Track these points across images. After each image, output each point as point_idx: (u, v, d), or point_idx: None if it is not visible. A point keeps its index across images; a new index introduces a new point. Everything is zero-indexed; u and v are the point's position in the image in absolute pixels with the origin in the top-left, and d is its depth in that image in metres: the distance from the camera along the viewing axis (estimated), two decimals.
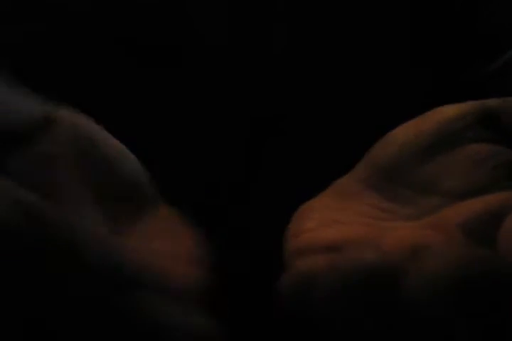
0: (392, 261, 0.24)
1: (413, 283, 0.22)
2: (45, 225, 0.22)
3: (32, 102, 0.27)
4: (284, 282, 0.26)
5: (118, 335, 0.23)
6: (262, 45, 0.39)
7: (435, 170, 0.28)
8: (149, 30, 0.38)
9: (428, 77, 0.40)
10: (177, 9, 0.38)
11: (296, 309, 0.25)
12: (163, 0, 0.38)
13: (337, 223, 0.28)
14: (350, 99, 0.39)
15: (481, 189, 0.27)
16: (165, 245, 0.27)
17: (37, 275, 0.22)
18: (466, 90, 0.39)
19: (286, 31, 0.39)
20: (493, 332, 0.22)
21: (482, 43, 0.40)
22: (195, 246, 0.27)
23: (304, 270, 0.25)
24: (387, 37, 0.40)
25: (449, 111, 0.29)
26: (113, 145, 0.28)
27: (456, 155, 0.28)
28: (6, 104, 0.26)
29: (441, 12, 0.40)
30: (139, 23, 0.38)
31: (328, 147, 0.38)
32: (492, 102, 0.29)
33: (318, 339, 0.25)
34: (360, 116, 0.39)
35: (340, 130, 0.38)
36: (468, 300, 0.22)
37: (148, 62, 0.38)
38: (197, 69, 0.38)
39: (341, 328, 0.24)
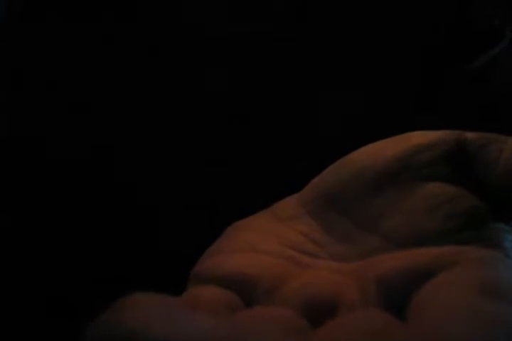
0: None
1: None
2: None
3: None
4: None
5: None
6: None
7: (384, 206, 0.25)
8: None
9: (416, 72, 0.39)
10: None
11: None
12: None
13: (256, 250, 0.25)
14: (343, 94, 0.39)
15: (425, 239, 0.24)
16: None
17: None
18: (454, 85, 0.39)
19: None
20: None
21: (472, 38, 0.38)
22: None
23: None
24: (374, 34, 0.39)
25: (418, 138, 0.26)
26: None
27: (412, 193, 0.25)
28: None
29: (431, 7, 0.39)
30: None
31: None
32: (469, 135, 0.26)
33: None
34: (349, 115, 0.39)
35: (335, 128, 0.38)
36: None
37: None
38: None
39: None
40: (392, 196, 0.25)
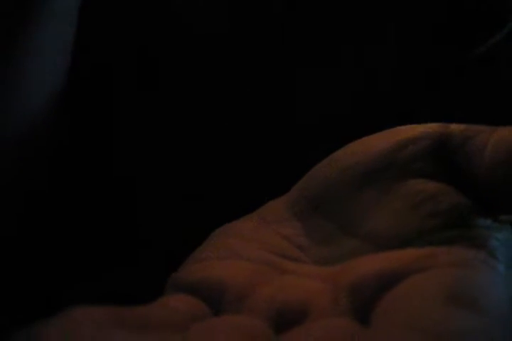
0: None
1: None
2: None
3: None
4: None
5: None
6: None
7: (368, 206, 0.24)
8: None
9: (418, 68, 0.38)
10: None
11: None
12: None
13: (237, 257, 0.25)
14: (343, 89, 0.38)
15: (407, 239, 0.23)
16: None
17: None
18: (459, 72, 0.38)
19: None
20: None
21: (476, 22, 0.37)
22: None
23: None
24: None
25: (404, 132, 0.25)
26: None
27: (394, 191, 0.24)
28: None
29: None
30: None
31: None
32: (454, 128, 0.25)
33: None
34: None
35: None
36: None
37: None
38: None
39: None
40: (376, 195, 0.24)
